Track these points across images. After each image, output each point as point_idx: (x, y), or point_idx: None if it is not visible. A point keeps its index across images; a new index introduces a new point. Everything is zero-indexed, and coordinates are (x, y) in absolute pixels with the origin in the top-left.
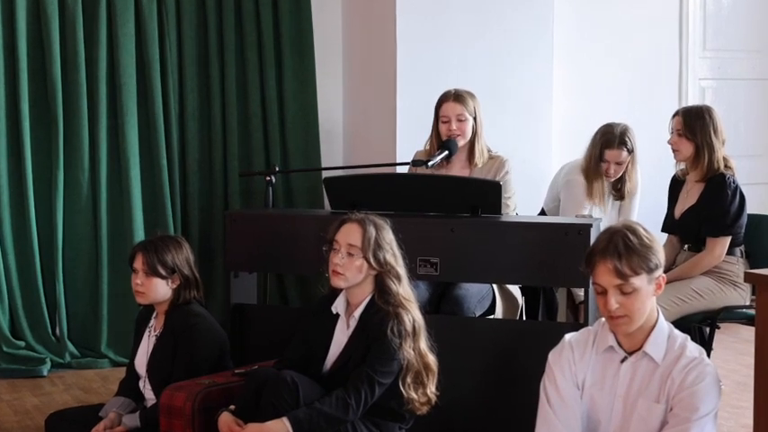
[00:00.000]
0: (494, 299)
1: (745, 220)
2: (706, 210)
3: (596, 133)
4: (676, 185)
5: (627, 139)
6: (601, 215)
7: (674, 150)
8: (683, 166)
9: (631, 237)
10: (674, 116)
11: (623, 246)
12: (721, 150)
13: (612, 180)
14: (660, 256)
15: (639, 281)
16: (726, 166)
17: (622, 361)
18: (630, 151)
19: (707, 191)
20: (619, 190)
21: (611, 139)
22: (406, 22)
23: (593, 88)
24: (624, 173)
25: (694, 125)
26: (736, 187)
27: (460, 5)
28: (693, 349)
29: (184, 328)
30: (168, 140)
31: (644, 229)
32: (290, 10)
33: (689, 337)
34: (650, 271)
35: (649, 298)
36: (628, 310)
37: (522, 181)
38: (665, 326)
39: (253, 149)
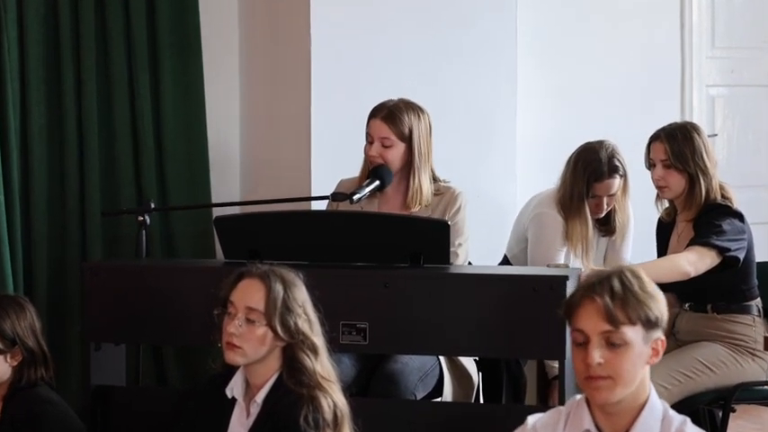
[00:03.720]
0: (441, 376)
1: (743, 247)
2: (697, 234)
3: (575, 161)
4: (664, 230)
5: (617, 164)
6: (581, 264)
7: (660, 187)
8: (666, 204)
9: (631, 277)
10: (651, 142)
11: (620, 285)
12: (716, 176)
13: (599, 216)
14: (662, 310)
15: (634, 333)
16: (723, 196)
17: None
18: (623, 176)
19: (698, 222)
20: (607, 224)
21: (599, 169)
22: (324, 14)
23: (569, 99)
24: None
25: (684, 151)
26: (736, 211)
27: None
28: None
29: (28, 419)
30: (6, 169)
31: (647, 276)
32: None
33: (689, 420)
34: (649, 325)
35: (641, 363)
36: (613, 369)
37: (477, 221)
38: (657, 405)
39: (120, 180)
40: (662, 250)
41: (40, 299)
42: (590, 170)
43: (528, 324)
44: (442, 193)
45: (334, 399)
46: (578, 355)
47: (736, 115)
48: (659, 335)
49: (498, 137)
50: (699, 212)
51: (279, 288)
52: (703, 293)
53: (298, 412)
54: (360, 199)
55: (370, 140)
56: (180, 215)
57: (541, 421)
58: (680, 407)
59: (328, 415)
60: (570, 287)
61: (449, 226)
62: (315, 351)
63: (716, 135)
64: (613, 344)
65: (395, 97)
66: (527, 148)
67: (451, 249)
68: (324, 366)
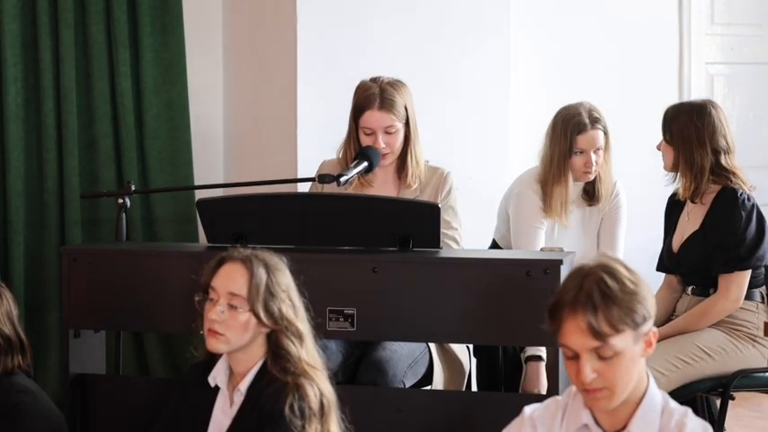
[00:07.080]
0: (430, 363)
1: (765, 251)
2: (713, 237)
3: (554, 122)
4: (674, 208)
5: (599, 116)
6: (562, 226)
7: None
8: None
9: (609, 281)
10: None
11: (599, 294)
12: (713, 156)
13: (590, 179)
14: (649, 305)
15: (622, 341)
16: (726, 169)
17: None
18: (606, 133)
19: (712, 211)
20: (593, 191)
21: (581, 122)
22: None
23: (564, 78)
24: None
25: (670, 121)
26: (753, 206)
27: None
28: (696, 427)
29: (5, 409)
30: None
31: (625, 267)
32: None
33: (690, 411)
34: (636, 326)
35: (636, 362)
36: (608, 380)
37: (469, 202)
38: (657, 397)
39: (99, 162)
40: (670, 228)
41: (18, 284)
42: (572, 124)
43: (521, 310)
44: (431, 172)
45: (320, 387)
46: (571, 368)
47: (736, 94)
48: (649, 326)
49: (490, 116)
50: (690, 192)
51: (262, 273)
52: (708, 278)
53: (283, 401)
54: (347, 181)
55: (369, 133)
56: (161, 198)
57: (538, 412)
58: (677, 394)
59: (314, 403)
60: (564, 271)
61: (439, 209)
62: (300, 337)
63: None
64: (604, 357)
65: (366, 77)
66: (520, 127)
67: (449, 233)
68: (309, 353)
